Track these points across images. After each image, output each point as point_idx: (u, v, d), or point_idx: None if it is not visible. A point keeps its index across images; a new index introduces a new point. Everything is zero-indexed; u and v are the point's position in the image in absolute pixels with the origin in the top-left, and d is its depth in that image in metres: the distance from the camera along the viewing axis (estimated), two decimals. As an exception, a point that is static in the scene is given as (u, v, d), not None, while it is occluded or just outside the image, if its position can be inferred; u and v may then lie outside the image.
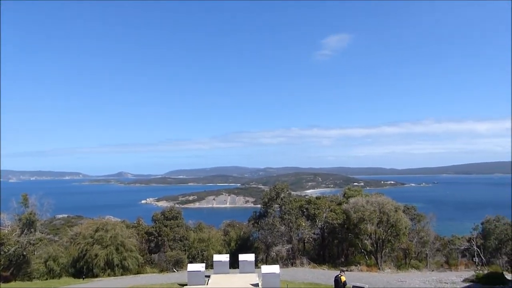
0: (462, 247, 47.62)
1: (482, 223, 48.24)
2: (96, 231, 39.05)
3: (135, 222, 49.72)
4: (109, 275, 37.17)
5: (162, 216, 47.56)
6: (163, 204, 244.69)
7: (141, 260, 41.35)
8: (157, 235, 45.76)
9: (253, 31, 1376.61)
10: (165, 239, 45.06)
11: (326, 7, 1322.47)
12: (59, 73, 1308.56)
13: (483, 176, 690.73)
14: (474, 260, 43.07)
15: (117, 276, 37.25)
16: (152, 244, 46.29)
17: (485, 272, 30.40)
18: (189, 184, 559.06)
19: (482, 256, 43.16)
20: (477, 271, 31.59)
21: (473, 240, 45.14)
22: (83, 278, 35.85)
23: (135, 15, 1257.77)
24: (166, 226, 46.13)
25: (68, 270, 38.69)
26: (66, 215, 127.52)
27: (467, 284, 28.11)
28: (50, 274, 37.82)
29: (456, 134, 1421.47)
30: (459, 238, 51.11)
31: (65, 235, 51.52)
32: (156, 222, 47.22)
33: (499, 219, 47.09)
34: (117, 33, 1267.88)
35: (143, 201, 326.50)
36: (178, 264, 41.02)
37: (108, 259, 37.55)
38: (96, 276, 36.63)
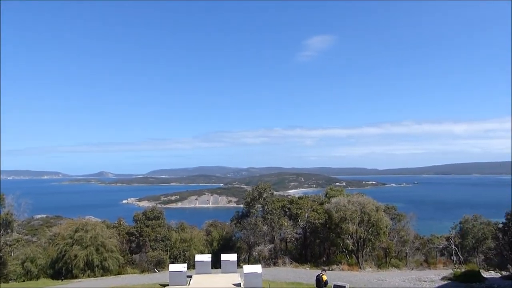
0: (441, 246, 48.53)
1: (460, 223, 49.29)
2: (76, 231, 38.39)
3: (116, 222, 49.16)
4: (89, 276, 36.59)
5: (144, 216, 47.13)
6: (145, 204, 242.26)
7: (122, 261, 40.87)
8: (138, 235, 45.31)
9: (237, 31, 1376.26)
10: (147, 240, 44.64)
11: (309, 9, 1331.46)
12: (34, 71, 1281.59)
13: (461, 177, 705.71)
14: (452, 258, 43.96)
15: (97, 277, 36.69)
16: (133, 245, 45.81)
17: (463, 270, 31.03)
18: (171, 184, 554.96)
19: (460, 255, 44.10)
20: (455, 269, 32.24)
21: (452, 239, 46.10)
22: (62, 280, 35.19)
23: (122, 13, 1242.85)
24: (147, 226, 45.72)
25: (47, 271, 37.95)
26: (44, 216, 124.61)
27: (445, 282, 28.61)
28: (28, 275, 37.05)
29: (435, 135, 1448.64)
30: (438, 237, 52.10)
31: (43, 235, 50.60)
32: (138, 222, 46.77)
33: (476, 219, 48.21)
34: (96, 30, 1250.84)
35: (124, 201, 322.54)
36: (160, 265, 40.70)
37: (88, 260, 36.97)
38: (76, 277, 36.02)
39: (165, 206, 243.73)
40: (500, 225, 46.73)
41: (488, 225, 47.50)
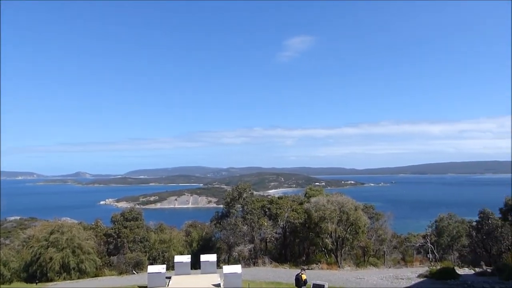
0: (418, 244, 49.45)
1: (435, 221, 50.31)
2: (51, 233, 37.50)
3: (93, 223, 48.28)
4: (64, 279, 35.81)
5: (122, 217, 46.47)
6: (123, 205, 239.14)
7: (99, 263, 40.13)
8: (116, 236, 44.62)
9: (217, 31, 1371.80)
10: (125, 241, 44.00)
11: (290, 9, 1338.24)
12: (8, 69, 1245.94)
13: (436, 176, 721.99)
14: (428, 256, 44.85)
15: (73, 279, 35.94)
16: (111, 246, 45.08)
17: (438, 267, 31.69)
18: (151, 184, 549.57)
19: (435, 253, 45.05)
20: (431, 267, 32.90)
21: (428, 237, 47.06)
22: (36, 283, 34.31)
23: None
24: (126, 227, 45.07)
25: (20, 275, 36.95)
26: (18, 217, 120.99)
27: (421, 279, 29.20)
28: (0, 279, 35.97)
29: (412, 135, 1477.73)
30: (414, 236, 53.09)
31: (17, 238, 49.26)
32: (116, 223, 46.08)
33: (451, 217, 49.29)
34: (76, 27, 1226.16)
35: (102, 202, 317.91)
36: (138, 266, 40.19)
37: (63, 263, 36.13)
38: (51, 280, 35.18)
39: (144, 206, 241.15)
40: (474, 223, 48.01)
41: (462, 223, 48.66)
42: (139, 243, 44.60)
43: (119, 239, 44.32)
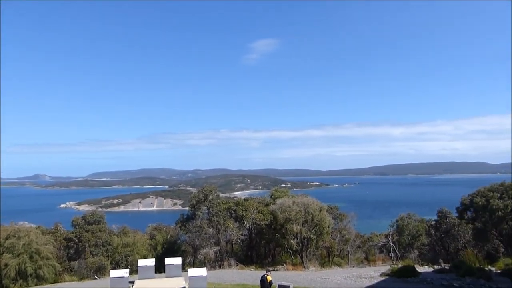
0: (380, 244, 50.69)
1: (396, 221, 51.73)
2: (7, 238, 35.99)
3: (52, 227, 46.60)
4: (21, 286, 34.39)
5: (83, 220, 45.18)
6: (85, 208, 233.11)
7: (59, 268, 38.78)
8: (77, 241, 43.26)
9: (183, 30, 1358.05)
10: (86, 245, 42.72)
11: (255, 12, 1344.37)
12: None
13: (398, 177, 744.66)
14: (390, 255, 46.11)
15: (30, 286, 34.60)
16: (72, 251, 43.67)
17: (399, 266, 32.63)
18: (114, 186, 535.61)
19: (397, 251, 46.36)
20: (392, 266, 33.83)
21: (390, 237, 48.35)
22: (-10, 291, 32.72)
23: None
24: (87, 231, 43.76)
25: (-28, 283, 35.08)
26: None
27: (384, 278, 29.95)
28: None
29: (374, 137, 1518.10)
30: (377, 235, 54.35)
31: (-31, 244, 46.62)
32: (76, 227, 44.71)
33: (410, 216, 50.83)
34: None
35: (62, 205, 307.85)
36: (100, 271, 39.14)
37: (20, 269, 34.66)
38: (6, 287, 33.62)
39: (106, 210, 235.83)
40: (433, 222, 49.81)
41: (422, 222, 50.26)
42: (101, 247, 43.43)
43: (80, 243, 43.00)
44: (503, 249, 44.59)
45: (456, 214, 48.06)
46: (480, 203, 44.66)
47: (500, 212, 42.31)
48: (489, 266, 32.68)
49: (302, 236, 39.34)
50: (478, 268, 29.93)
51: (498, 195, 43.87)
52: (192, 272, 25.71)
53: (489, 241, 45.50)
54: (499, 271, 30.18)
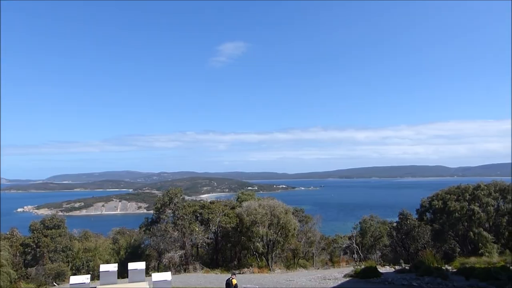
0: (344, 245, 51.69)
1: (360, 223, 52.94)
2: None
3: (8, 233, 44.63)
4: (-28, 295, 32.64)
5: (42, 225, 43.57)
6: (44, 212, 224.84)
7: (15, 276, 37.09)
8: (35, 246, 41.61)
9: (149, 30, 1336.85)
10: (45, 251, 41.17)
11: (223, 15, 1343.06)
12: None
13: (362, 180, 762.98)
14: (354, 256, 47.09)
15: (-17, 295, 32.86)
16: (29, 257, 41.94)
17: (362, 267, 33.34)
18: (76, 189, 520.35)
19: (360, 253, 47.43)
20: (356, 267, 34.53)
21: (353, 238, 49.41)
22: None
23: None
24: (46, 236, 42.20)
25: None
26: None
27: (347, 279, 30.50)
28: None
29: (340, 141, 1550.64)
30: (341, 237, 55.43)
31: None
32: (34, 232, 43.02)
33: (373, 218, 52.19)
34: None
35: (19, 210, 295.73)
36: (60, 277, 37.79)
37: (-28, 277, 32.92)
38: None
39: (67, 213, 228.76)
40: (394, 224, 51.32)
41: (384, 224, 51.70)
42: (61, 252, 42.00)
43: (38, 249, 41.38)
44: (459, 249, 46.58)
45: (416, 216, 49.83)
46: (438, 205, 46.57)
47: (456, 214, 44.28)
48: (446, 266, 33.95)
49: (268, 239, 39.53)
50: (436, 267, 31.00)
51: (455, 197, 45.90)
52: (156, 276, 25.31)
53: (446, 242, 47.47)
54: (455, 270, 31.42)
